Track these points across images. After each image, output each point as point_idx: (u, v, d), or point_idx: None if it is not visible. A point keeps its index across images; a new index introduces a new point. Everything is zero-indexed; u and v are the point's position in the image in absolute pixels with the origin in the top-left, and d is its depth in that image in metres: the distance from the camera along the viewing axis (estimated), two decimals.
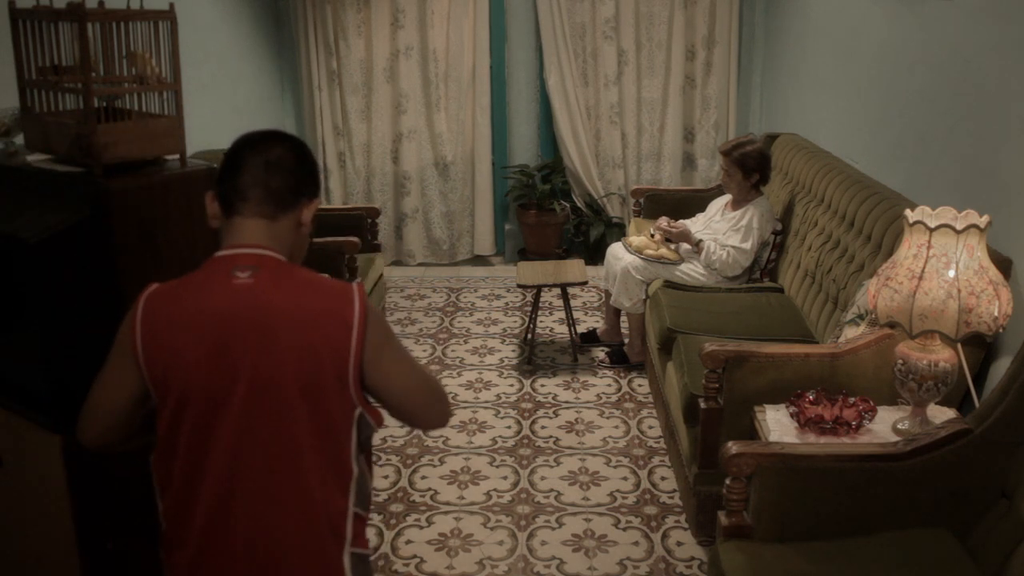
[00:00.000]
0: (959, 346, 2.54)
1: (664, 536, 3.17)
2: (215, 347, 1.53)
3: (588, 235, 6.05)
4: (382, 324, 1.61)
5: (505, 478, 3.55)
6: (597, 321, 5.10)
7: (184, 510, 1.58)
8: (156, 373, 1.56)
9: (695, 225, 4.47)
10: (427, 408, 1.68)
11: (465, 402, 4.19)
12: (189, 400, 1.55)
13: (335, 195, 6.14)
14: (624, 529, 3.22)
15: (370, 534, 3.14)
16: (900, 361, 2.52)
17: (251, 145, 1.63)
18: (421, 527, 3.23)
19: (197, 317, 1.54)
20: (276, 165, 1.61)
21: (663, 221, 4.39)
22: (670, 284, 4.13)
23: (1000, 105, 2.83)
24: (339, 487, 1.59)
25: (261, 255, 1.58)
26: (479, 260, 6.35)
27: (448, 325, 5.12)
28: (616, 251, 4.51)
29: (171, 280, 1.62)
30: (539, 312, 5.02)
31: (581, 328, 4.96)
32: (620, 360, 4.56)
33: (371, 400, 1.64)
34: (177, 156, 2.45)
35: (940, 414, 2.61)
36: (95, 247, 2.23)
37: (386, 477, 3.55)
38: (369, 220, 5.08)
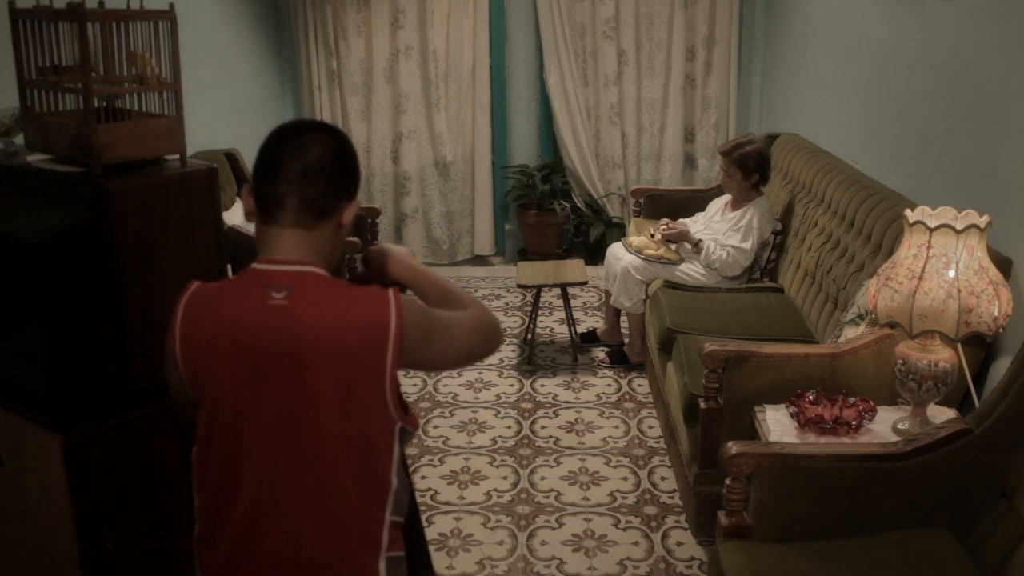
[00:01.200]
0: (959, 346, 2.54)
1: (664, 536, 3.17)
2: (245, 364, 1.51)
3: (588, 235, 6.05)
4: (419, 322, 1.56)
5: (505, 478, 3.55)
6: (597, 321, 5.10)
7: (219, 511, 1.58)
8: (191, 375, 1.56)
9: (695, 225, 4.47)
10: (474, 358, 1.72)
11: (465, 402, 4.19)
12: (219, 409, 1.55)
13: None
14: (624, 529, 3.22)
15: None
16: (900, 361, 2.51)
17: (289, 147, 1.54)
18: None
19: (230, 330, 1.52)
20: (315, 172, 1.53)
21: (663, 223, 4.40)
22: (670, 284, 4.13)
23: (1000, 105, 2.83)
24: (377, 501, 1.57)
25: (297, 272, 1.53)
26: (479, 260, 6.35)
27: None
28: (616, 251, 4.51)
29: (212, 282, 1.60)
30: (539, 312, 5.02)
31: (581, 328, 4.96)
32: (620, 360, 4.56)
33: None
34: (177, 156, 2.45)
35: (940, 414, 2.61)
36: (95, 247, 2.23)
37: None
38: (369, 220, 5.09)
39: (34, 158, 2.44)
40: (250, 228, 1.67)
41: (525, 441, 3.84)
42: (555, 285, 4.60)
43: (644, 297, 4.32)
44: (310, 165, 1.53)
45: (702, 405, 2.97)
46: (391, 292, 1.55)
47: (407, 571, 1.69)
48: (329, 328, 1.50)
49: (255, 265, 1.56)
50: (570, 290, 5.13)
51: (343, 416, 1.52)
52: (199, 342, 1.54)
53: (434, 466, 3.64)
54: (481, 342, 1.68)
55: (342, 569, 1.56)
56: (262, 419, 1.52)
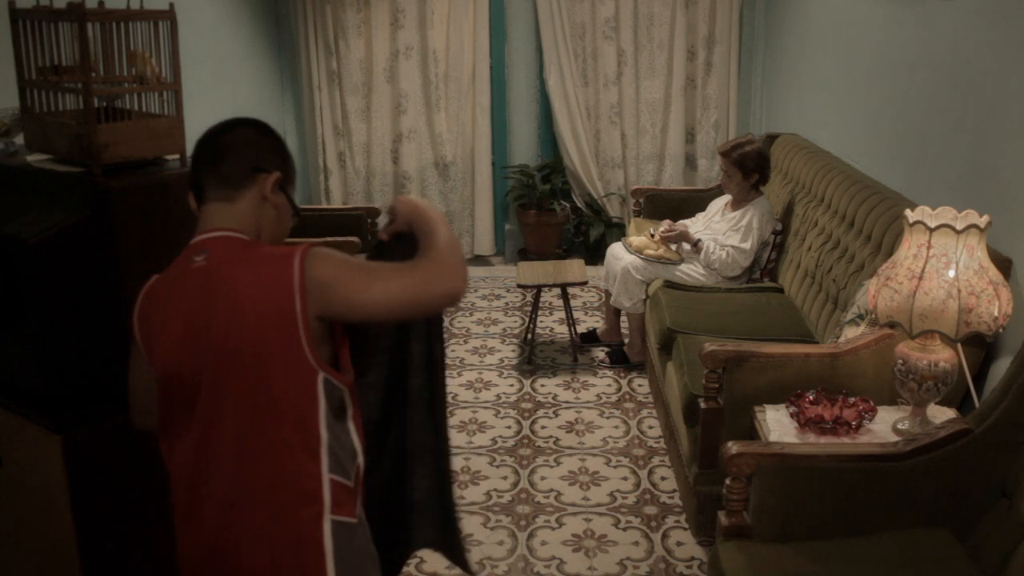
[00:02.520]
0: (959, 346, 2.54)
1: (664, 536, 3.17)
2: (182, 330, 1.62)
3: (588, 235, 6.05)
4: (326, 270, 1.58)
5: (505, 478, 3.55)
6: (597, 321, 5.10)
7: (180, 479, 1.66)
8: (151, 356, 1.67)
9: (695, 225, 4.47)
10: (425, 303, 1.64)
11: (465, 402, 4.19)
12: (170, 379, 1.64)
13: (335, 195, 6.14)
14: (624, 529, 3.22)
15: None
16: (900, 361, 2.51)
17: (204, 139, 1.72)
18: None
19: (169, 303, 1.65)
20: (224, 151, 1.69)
21: (664, 225, 4.40)
22: (670, 284, 4.13)
23: (1000, 105, 2.83)
24: (308, 453, 1.60)
25: (216, 237, 1.66)
26: (479, 260, 6.35)
27: (448, 325, 5.12)
28: (616, 251, 4.51)
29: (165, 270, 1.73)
30: (539, 312, 5.02)
31: (581, 328, 4.96)
32: (620, 360, 4.56)
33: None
34: (177, 156, 2.45)
35: (940, 414, 2.61)
36: (95, 247, 2.23)
37: None
38: (369, 220, 5.08)
39: (34, 158, 2.44)
40: None
41: (525, 441, 3.84)
42: (555, 285, 4.60)
43: (644, 297, 4.32)
44: (218, 148, 1.70)
45: (702, 405, 2.97)
46: (300, 248, 1.61)
47: (370, 540, 1.69)
48: (241, 279, 1.60)
49: (190, 242, 1.69)
50: (570, 290, 5.13)
51: (263, 366, 1.58)
52: (152, 323, 1.67)
53: None
54: (408, 291, 1.61)
55: (279, 529, 1.58)
56: (202, 379, 1.60)
